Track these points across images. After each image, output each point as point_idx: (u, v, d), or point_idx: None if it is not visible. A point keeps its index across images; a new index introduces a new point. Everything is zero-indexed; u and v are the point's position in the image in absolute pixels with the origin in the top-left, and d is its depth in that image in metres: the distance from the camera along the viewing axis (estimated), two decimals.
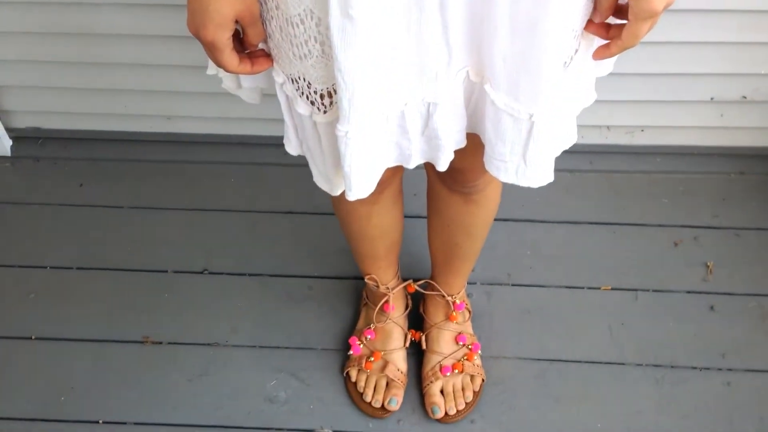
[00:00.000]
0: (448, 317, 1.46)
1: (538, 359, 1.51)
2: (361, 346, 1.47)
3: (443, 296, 1.44)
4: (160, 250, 1.67)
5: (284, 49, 0.84)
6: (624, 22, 0.78)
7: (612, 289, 1.59)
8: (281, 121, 0.96)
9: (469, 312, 1.50)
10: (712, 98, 1.67)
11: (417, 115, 0.87)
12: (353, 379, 1.47)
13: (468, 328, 1.49)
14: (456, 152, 0.94)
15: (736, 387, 1.46)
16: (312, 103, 0.88)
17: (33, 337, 1.55)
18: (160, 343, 1.54)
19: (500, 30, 0.78)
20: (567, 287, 1.59)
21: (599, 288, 1.59)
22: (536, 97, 0.83)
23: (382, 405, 1.43)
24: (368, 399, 1.44)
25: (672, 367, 1.49)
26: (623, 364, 1.50)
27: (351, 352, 1.48)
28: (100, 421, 1.45)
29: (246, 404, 1.47)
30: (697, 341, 1.52)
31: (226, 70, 0.84)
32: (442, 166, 0.92)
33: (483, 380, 1.46)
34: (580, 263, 1.62)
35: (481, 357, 1.48)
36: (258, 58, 0.87)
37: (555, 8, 0.75)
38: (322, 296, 1.59)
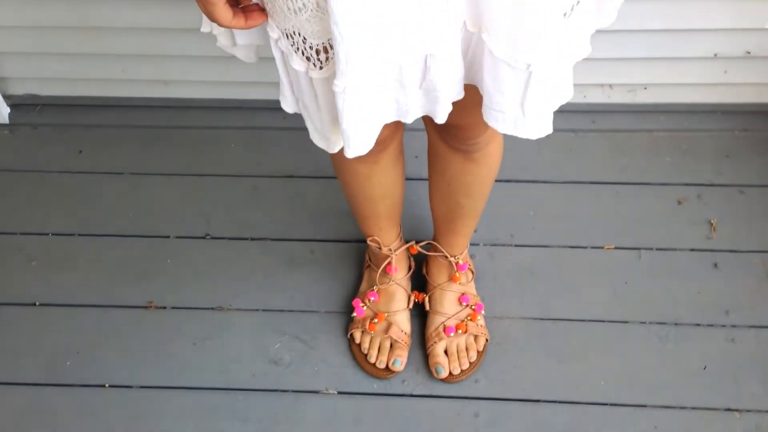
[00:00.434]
0: (451, 278, 1.46)
1: (542, 319, 1.51)
2: (365, 307, 1.47)
3: (446, 257, 1.44)
4: (162, 215, 1.66)
5: (278, 3, 0.83)
6: None
7: (615, 248, 1.59)
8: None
9: (472, 272, 1.50)
10: (715, 54, 1.65)
11: (415, 68, 0.86)
12: (357, 341, 1.47)
13: (471, 288, 1.49)
14: (456, 108, 0.93)
15: (739, 343, 1.46)
16: (308, 59, 0.87)
17: (37, 303, 1.56)
18: (164, 307, 1.55)
19: None
20: (570, 247, 1.59)
21: (602, 247, 1.59)
22: (534, 46, 0.81)
23: (387, 366, 1.43)
24: (372, 360, 1.44)
25: (676, 324, 1.49)
26: (627, 322, 1.49)
27: (354, 314, 1.48)
28: (106, 385, 1.46)
29: (250, 367, 1.47)
30: (701, 299, 1.52)
31: (220, 25, 0.83)
32: (441, 118, 0.91)
33: (487, 340, 1.46)
34: (583, 223, 1.62)
35: (485, 317, 1.48)
36: (252, 12, 0.85)
37: None
38: (324, 259, 1.59)
